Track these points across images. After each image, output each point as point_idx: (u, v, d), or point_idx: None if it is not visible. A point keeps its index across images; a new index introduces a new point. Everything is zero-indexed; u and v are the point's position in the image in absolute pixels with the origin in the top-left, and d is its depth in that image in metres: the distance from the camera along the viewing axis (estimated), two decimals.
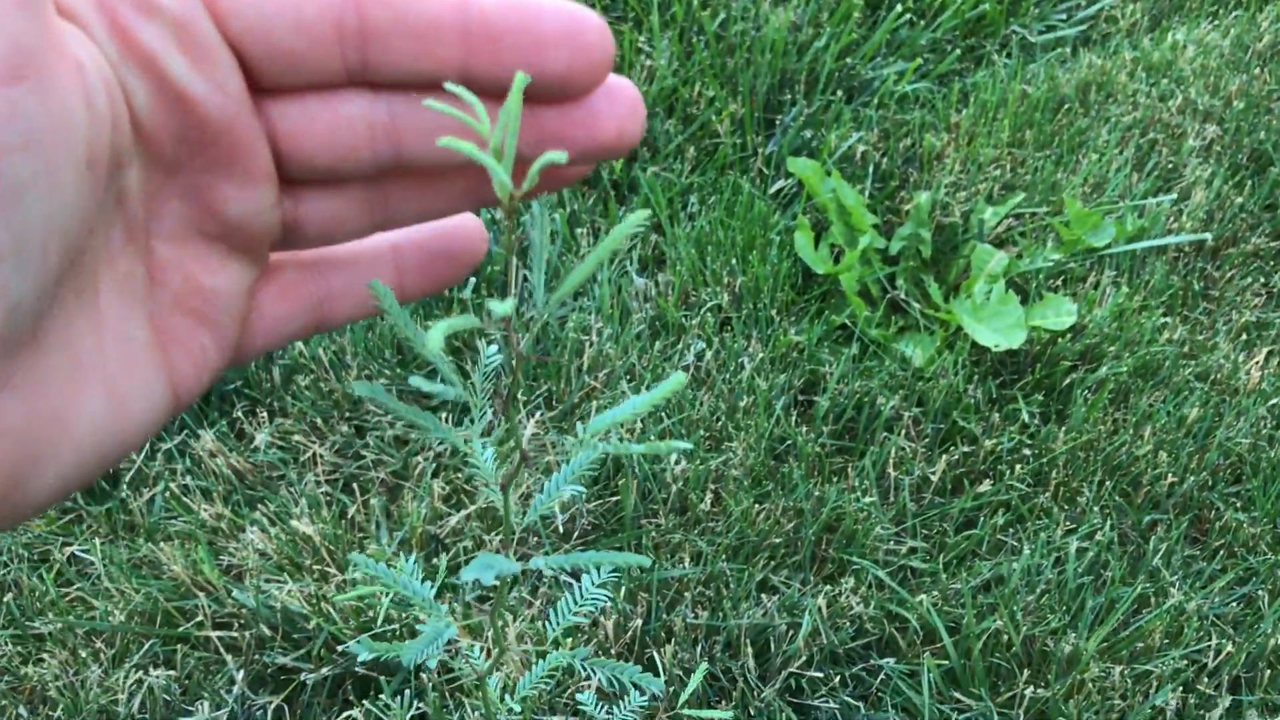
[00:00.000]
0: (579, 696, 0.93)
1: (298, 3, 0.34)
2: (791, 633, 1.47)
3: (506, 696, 0.84)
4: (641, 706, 0.92)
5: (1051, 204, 2.03)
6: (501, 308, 0.46)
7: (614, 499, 1.62)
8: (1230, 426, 1.69)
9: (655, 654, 1.44)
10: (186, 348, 0.36)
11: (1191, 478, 1.62)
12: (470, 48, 0.35)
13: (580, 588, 0.79)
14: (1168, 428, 1.68)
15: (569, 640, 1.45)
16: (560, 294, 0.54)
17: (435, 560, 1.56)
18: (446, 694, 1.43)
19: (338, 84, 0.36)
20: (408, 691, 1.42)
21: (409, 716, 1.40)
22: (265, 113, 0.35)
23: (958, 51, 2.29)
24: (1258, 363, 1.78)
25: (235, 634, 1.49)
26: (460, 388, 0.53)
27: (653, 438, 1.67)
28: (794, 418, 1.70)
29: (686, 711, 0.87)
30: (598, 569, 0.80)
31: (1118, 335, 1.79)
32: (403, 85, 0.36)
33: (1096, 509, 1.61)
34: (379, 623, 1.46)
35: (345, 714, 1.43)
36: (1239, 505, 1.62)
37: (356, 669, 1.45)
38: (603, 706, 0.91)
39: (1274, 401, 1.74)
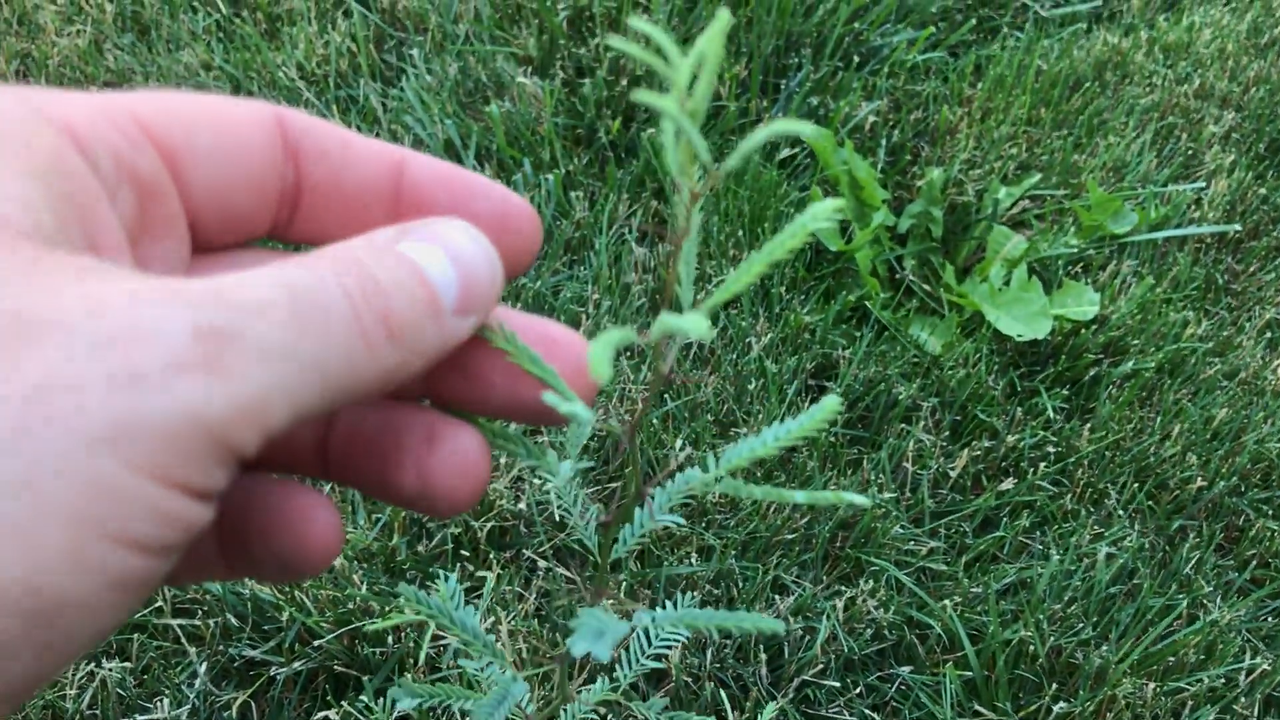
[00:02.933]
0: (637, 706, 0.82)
1: (249, 162, 0.34)
2: (807, 638, 1.37)
3: None
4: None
5: (1070, 186, 1.94)
6: (696, 327, 0.34)
7: (613, 485, 1.51)
8: (1259, 428, 1.61)
9: (663, 659, 1.33)
10: None
11: (1222, 482, 1.54)
12: (398, 216, 0.35)
13: (651, 628, 0.67)
14: (1195, 428, 1.60)
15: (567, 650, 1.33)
16: (716, 301, 0.42)
17: (419, 547, 1.43)
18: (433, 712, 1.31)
19: (257, 236, 0.35)
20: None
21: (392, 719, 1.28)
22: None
23: (973, 20, 2.18)
24: None
25: (198, 622, 1.35)
26: (590, 410, 0.41)
27: (655, 421, 1.55)
28: (806, 403, 1.59)
29: None
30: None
31: (1142, 328, 1.71)
32: (317, 241, 0.35)
33: (1123, 512, 1.53)
34: (358, 615, 1.34)
35: (320, 714, 1.30)
36: (1270, 513, 1.54)
37: (333, 665, 1.33)
38: None
39: None
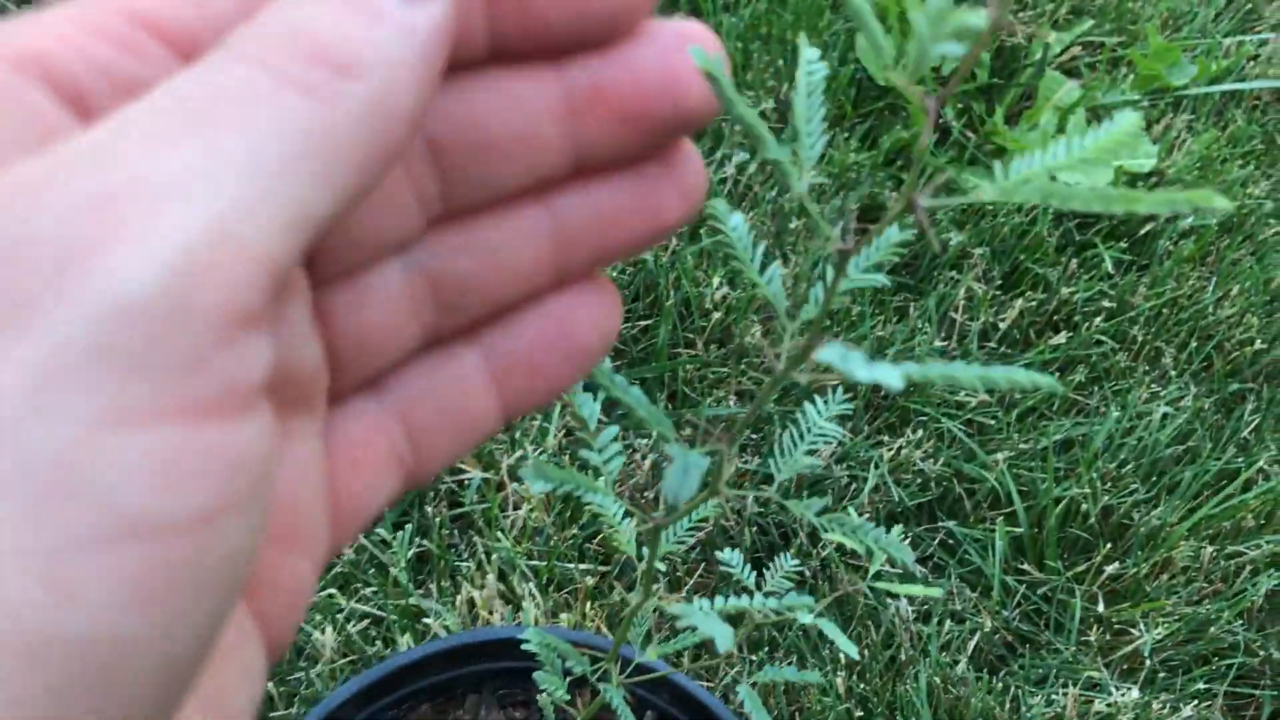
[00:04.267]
0: (720, 555, 0.73)
1: None
2: (853, 485, 1.29)
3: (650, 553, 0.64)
4: (794, 570, 0.72)
5: (1125, 34, 1.82)
6: None
7: (643, 322, 1.40)
8: None
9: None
10: (274, 588, 0.27)
11: None
12: None
13: (808, 418, 0.57)
14: (1255, 288, 1.52)
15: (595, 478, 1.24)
16: None
17: None
18: (455, 532, 1.22)
19: None
20: (409, 526, 1.20)
21: (410, 554, 1.18)
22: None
23: None
24: None
25: None
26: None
27: (689, 259, 1.44)
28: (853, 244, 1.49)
29: (881, 584, 0.68)
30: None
31: (1201, 184, 1.61)
32: None
33: (1175, 373, 1.45)
34: None
35: None
36: None
37: None
38: (750, 571, 0.71)
39: None
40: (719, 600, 0.62)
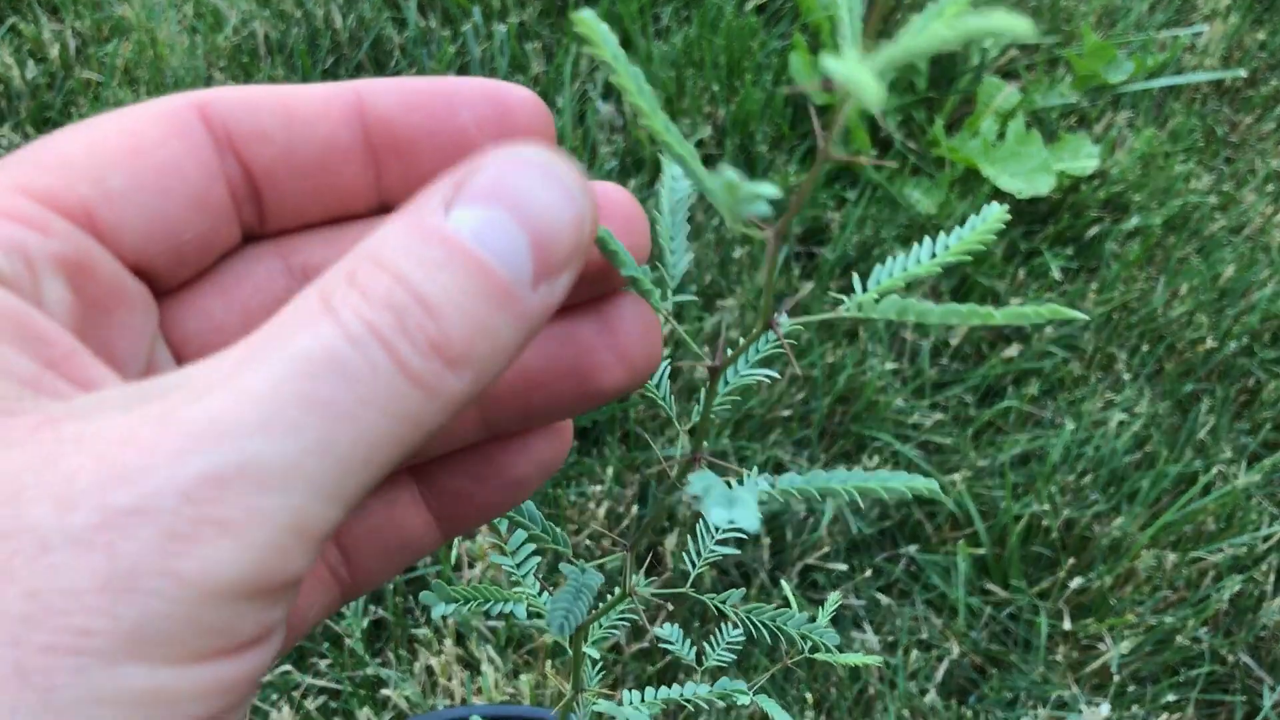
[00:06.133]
0: (658, 631, 0.71)
1: (178, 181, 0.27)
2: (811, 520, 1.28)
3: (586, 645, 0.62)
4: (735, 643, 0.70)
5: (1061, 34, 1.81)
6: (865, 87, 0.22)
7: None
8: (1264, 285, 1.53)
9: (658, 545, 1.23)
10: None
11: (1232, 343, 1.46)
12: (379, 166, 0.29)
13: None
14: (1203, 286, 1.51)
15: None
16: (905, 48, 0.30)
17: None
18: (409, 597, 1.20)
19: (232, 249, 0.29)
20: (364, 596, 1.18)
21: (365, 623, 1.16)
22: (168, 320, 0.29)
23: None
24: None
25: None
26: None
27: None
28: (796, 272, 1.47)
29: (821, 656, 0.66)
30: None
31: (1144, 183, 1.61)
32: (310, 226, 0.30)
33: (1129, 376, 1.44)
34: None
35: None
36: None
37: None
38: (689, 643, 0.69)
39: None
40: (649, 692, 0.61)
